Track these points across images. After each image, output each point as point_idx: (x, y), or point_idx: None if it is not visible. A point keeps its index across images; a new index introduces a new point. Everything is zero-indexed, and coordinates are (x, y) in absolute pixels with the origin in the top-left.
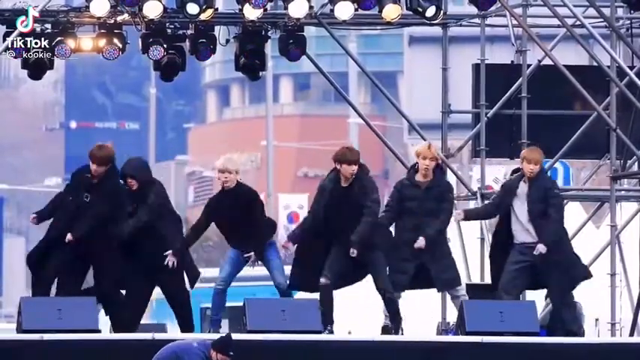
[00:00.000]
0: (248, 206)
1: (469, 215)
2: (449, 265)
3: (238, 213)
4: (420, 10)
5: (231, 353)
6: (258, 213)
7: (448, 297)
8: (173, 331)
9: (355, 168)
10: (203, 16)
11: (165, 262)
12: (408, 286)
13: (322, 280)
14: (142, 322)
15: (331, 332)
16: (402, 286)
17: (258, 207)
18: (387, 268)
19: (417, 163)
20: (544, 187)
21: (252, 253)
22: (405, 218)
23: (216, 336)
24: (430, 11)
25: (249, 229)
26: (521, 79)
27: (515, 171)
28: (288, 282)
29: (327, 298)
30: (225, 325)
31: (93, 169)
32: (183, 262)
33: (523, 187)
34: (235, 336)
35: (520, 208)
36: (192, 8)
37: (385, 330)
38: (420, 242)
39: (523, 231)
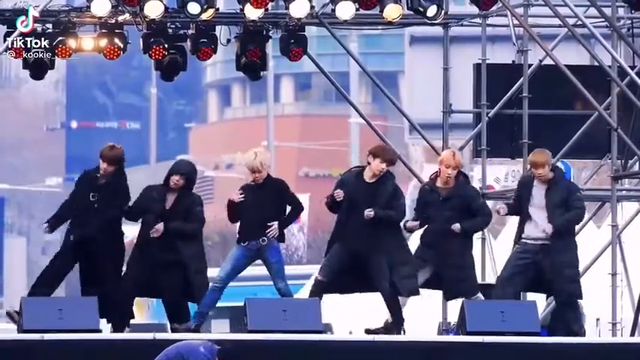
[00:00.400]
0: (280, 198)
1: (509, 210)
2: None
3: (271, 206)
4: (421, 9)
5: None
6: (288, 202)
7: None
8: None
9: (384, 167)
10: (204, 16)
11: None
12: (418, 290)
13: (318, 276)
14: (143, 322)
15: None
16: (413, 290)
17: (288, 197)
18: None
19: (439, 169)
20: (567, 192)
21: (275, 226)
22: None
23: (211, 336)
24: (431, 11)
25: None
26: (522, 78)
27: None
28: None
29: (317, 295)
30: (225, 324)
31: (103, 168)
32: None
33: (540, 189)
34: (236, 336)
35: (538, 211)
36: (193, 8)
37: (386, 326)
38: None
39: (535, 229)
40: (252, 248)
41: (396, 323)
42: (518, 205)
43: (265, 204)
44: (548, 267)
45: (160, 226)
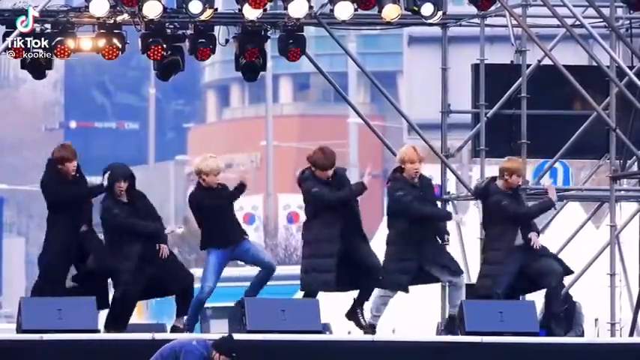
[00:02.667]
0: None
1: None
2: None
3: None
4: (416, 8)
5: (234, 355)
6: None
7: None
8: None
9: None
10: (203, 16)
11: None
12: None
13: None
14: (142, 322)
15: None
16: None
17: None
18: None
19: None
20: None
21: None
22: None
23: (212, 336)
24: (426, 9)
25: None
26: (520, 79)
27: None
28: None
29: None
30: (224, 325)
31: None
32: None
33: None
34: (235, 336)
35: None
36: (194, 7)
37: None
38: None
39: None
40: (230, 250)
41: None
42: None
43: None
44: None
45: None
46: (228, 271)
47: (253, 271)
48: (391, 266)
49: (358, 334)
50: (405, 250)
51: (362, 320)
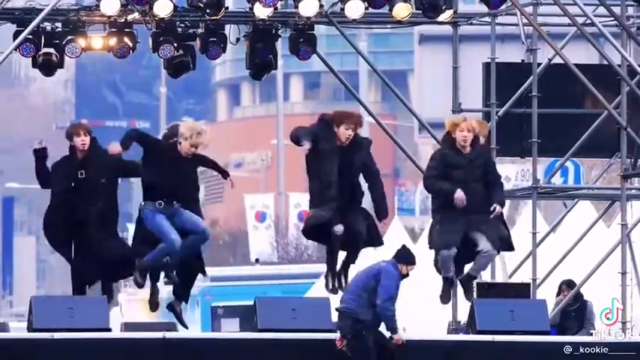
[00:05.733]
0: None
1: None
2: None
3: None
4: (426, 6)
5: (414, 259)
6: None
7: (460, 296)
8: (183, 330)
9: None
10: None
11: None
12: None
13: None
14: (153, 320)
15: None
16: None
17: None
18: None
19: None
20: None
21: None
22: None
23: (220, 335)
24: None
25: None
26: (531, 77)
27: None
28: None
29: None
30: (235, 323)
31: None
32: None
33: None
34: (246, 335)
35: None
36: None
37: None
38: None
39: None
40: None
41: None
42: None
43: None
44: None
45: None
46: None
47: (261, 270)
48: (437, 229)
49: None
50: (452, 213)
51: (334, 283)
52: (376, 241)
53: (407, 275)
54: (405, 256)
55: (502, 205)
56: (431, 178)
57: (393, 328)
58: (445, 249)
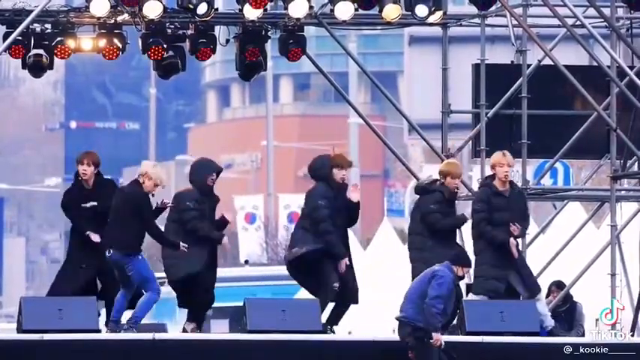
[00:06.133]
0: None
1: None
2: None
3: None
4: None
5: (470, 262)
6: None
7: None
8: (173, 331)
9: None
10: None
11: None
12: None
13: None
14: (143, 322)
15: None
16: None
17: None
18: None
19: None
20: None
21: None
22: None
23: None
24: (421, 11)
25: None
26: (521, 79)
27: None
28: None
29: None
30: (225, 324)
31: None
32: None
33: None
34: (235, 336)
35: None
36: (202, 9)
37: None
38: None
39: None
40: None
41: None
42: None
43: None
44: None
45: None
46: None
47: (252, 272)
48: (487, 272)
49: (358, 334)
50: (499, 257)
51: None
52: None
53: (462, 277)
54: (461, 258)
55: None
56: (440, 220)
57: (433, 327)
58: (494, 297)
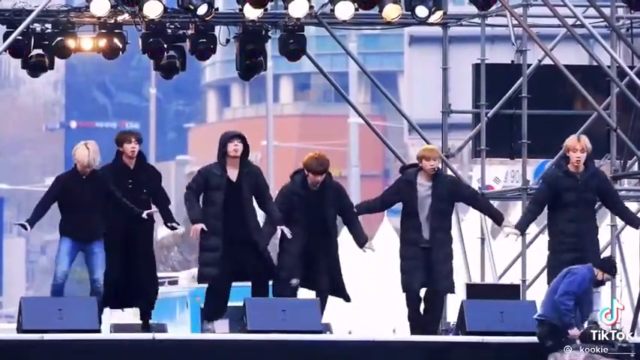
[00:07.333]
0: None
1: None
2: None
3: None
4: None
5: (615, 270)
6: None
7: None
8: (173, 331)
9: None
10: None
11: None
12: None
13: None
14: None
15: None
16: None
17: None
18: None
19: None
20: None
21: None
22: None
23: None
24: (421, 11)
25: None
26: (521, 79)
27: None
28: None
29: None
30: (225, 324)
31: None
32: None
33: None
34: (235, 336)
35: None
36: (202, 9)
37: None
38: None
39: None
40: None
41: None
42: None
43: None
44: None
45: None
46: None
47: None
48: (558, 258)
49: (358, 334)
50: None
51: None
52: None
53: (601, 282)
54: (606, 264)
55: None
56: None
57: (565, 323)
58: None
